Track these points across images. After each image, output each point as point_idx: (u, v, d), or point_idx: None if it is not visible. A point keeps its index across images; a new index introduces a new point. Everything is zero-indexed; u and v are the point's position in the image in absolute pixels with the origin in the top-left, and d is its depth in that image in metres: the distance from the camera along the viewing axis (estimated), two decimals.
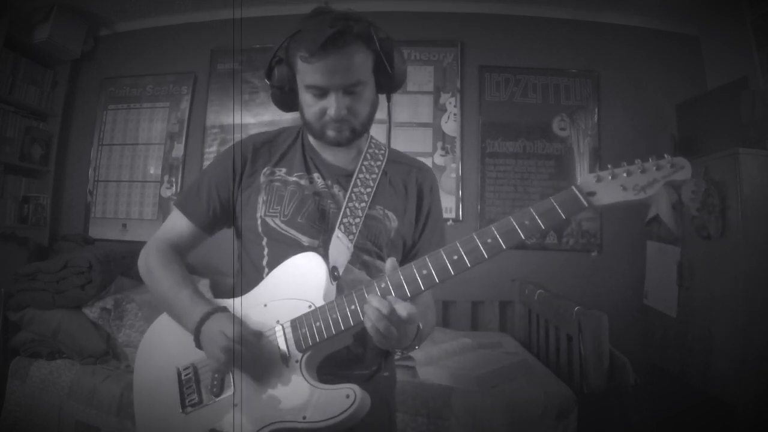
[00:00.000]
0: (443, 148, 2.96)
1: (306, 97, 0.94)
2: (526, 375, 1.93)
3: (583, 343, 1.81)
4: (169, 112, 3.14)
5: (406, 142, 2.90)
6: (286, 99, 1.00)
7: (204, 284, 2.55)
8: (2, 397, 2.12)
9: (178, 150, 3.10)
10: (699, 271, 2.26)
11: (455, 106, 2.97)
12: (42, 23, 2.82)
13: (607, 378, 1.76)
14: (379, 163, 1.04)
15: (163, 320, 1.00)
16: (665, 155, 0.77)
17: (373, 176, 1.01)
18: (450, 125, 2.97)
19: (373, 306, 0.78)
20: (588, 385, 1.78)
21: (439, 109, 2.99)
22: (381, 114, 1.06)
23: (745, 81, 2.37)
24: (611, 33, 2.97)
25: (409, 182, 1.06)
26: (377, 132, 1.09)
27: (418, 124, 2.98)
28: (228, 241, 1.07)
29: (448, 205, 2.91)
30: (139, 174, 3.12)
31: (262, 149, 1.04)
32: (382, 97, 1.03)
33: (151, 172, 3.11)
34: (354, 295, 0.83)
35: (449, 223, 2.88)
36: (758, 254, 1.97)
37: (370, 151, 1.05)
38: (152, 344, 1.00)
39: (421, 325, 0.87)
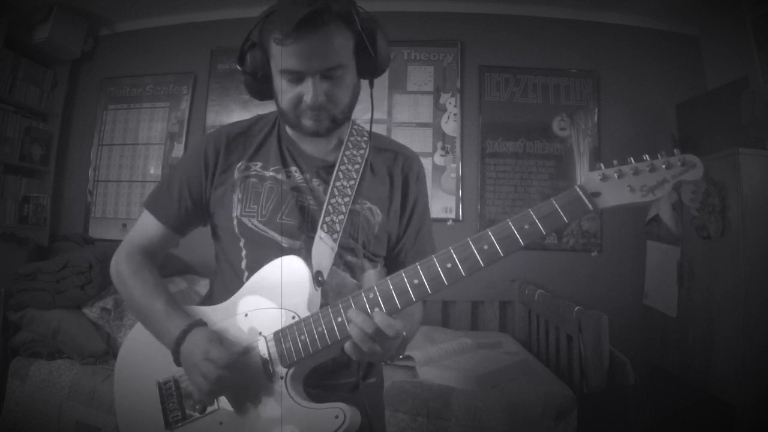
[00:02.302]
0: (443, 148, 2.95)
1: (281, 84, 0.86)
2: (526, 375, 1.93)
3: (583, 343, 1.81)
4: (169, 112, 3.13)
5: (406, 142, 2.87)
6: (260, 87, 0.92)
7: (204, 285, 2.56)
8: (2, 397, 2.12)
9: (178, 150, 3.09)
10: (699, 271, 2.26)
11: (455, 106, 2.97)
12: (42, 23, 2.81)
13: (607, 378, 1.76)
14: (362, 152, 0.95)
15: (139, 330, 0.94)
16: (675, 151, 0.69)
17: (356, 167, 0.93)
18: (450, 125, 2.97)
19: (357, 325, 0.73)
20: (588, 386, 1.78)
21: (439, 109, 2.99)
22: (370, 105, 0.95)
23: (745, 81, 2.37)
24: (611, 33, 2.96)
25: (394, 170, 0.99)
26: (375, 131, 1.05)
27: (418, 124, 2.98)
28: None
29: (448, 205, 2.91)
30: (139, 174, 3.12)
31: (236, 141, 0.96)
32: (364, 84, 0.93)
33: (151, 172, 3.11)
34: (341, 306, 0.78)
35: (449, 223, 2.88)
36: (758, 254, 1.97)
37: (352, 139, 0.97)
38: (130, 357, 0.95)
39: (405, 333, 0.80)
